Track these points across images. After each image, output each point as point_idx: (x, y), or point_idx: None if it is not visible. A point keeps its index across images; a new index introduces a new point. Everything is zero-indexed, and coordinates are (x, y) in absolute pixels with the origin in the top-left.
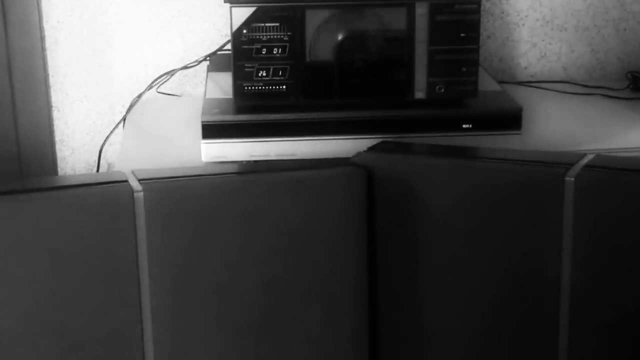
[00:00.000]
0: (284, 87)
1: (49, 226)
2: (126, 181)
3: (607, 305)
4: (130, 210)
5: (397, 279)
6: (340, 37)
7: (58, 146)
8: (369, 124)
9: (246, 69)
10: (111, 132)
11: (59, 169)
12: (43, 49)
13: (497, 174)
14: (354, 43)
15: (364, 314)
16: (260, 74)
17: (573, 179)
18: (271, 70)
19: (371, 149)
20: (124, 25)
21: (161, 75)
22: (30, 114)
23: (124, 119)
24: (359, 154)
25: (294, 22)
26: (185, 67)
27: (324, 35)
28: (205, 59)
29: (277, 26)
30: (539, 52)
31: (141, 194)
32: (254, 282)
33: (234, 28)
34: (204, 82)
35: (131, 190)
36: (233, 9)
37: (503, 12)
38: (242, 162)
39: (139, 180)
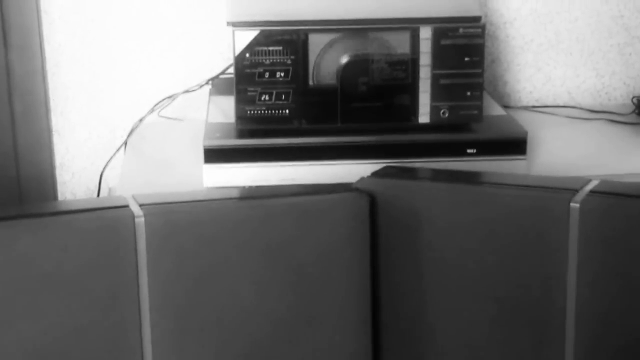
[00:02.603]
0: (287, 111)
1: (49, 252)
2: (127, 206)
3: (612, 331)
4: (131, 235)
5: (400, 304)
6: (343, 61)
7: (58, 170)
8: (372, 149)
9: (249, 93)
10: (112, 156)
11: (59, 194)
12: (44, 72)
13: (501, 200)
14: (357, 67)
15: (367, 340)
16: (262, 98)
17: (578, 204)
18: (274, 94)
19: (374, 174)
20: (126, 48)
21: (163, 99)
22: (31, 138)
23: (125, 143)
24: (362, 179)
25: (297, 45)
26: (187, 91)
27: (327, 59)
28: (207, 83)
29: (280, 50)
30: (543, 76)
31: (142, 219)
32: (255, 306)
33: (237, 51)
34: (206, 106)
35: (132, 216)
36: (236, 32)
37: (508, 36)
38: (244, 186)
39: (140, 205)
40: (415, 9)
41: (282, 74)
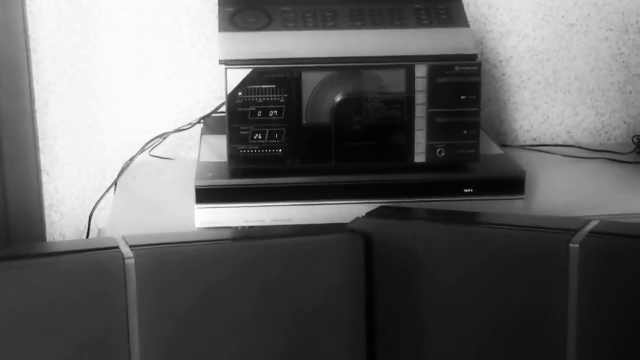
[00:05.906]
0: (280, 150)
1: (37, 295)
2: (117, 247)
3: None
4: (121, 277)
5: (396, 346)
6: (337, 99)
7: (47, 211)
8: (367, 189)
9: (241, 132)
10: (102, 196)
11: (47, 235)
12: (33, 112)
13: (499, 240)
14: (352, 105)
15: None
16: (255, 137)
17: (578, 245)
18: (267, 133)
19: (370, 214)
20: (116, 87)
21: (154, 139)
22: (19, 178)
23: (115, 183)
24: (357, 219)
25: (290, 84)
26: (179, 130)
27: (321, 98)
28: (199, 122)
29: (273, 88)
30: (541, 115)
31: (132, 260)
32: (247, 349)
33: (229, 90)
34: (198, 146)
35: (122, 257)
36: (228, 70)
37: (504, 75)
38: (237, 227)
39: (131, 246)
40: (410, 47)
41: (276, 113)
